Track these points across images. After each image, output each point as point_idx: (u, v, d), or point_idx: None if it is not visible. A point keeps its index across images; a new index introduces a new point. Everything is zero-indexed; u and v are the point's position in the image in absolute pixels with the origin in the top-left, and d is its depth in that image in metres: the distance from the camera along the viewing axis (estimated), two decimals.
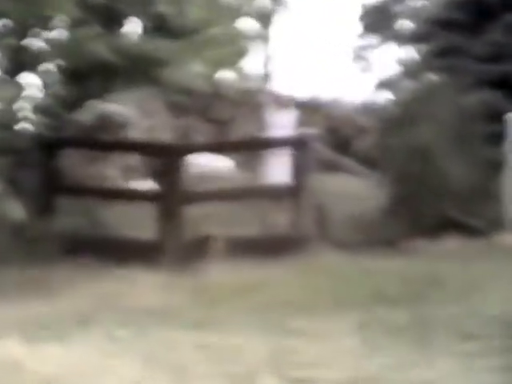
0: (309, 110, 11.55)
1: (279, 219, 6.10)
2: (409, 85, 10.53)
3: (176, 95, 10.51)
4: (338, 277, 4.59)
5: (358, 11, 12.84)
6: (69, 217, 5.83)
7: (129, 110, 9.32)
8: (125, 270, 4.79)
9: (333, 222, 6.04)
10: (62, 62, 7.20)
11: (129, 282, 4.48)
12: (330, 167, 10.35)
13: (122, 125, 9.27)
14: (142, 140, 9.10)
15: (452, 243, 5.56)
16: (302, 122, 9.23)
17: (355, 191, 6.73)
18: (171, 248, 5.26)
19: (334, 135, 12.19)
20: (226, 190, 5.91)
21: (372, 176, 6.75)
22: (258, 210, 6.23)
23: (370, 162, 7.15)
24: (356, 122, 11.61)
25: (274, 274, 4.67)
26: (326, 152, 6.67)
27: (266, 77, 12.78)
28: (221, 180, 8.99)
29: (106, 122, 9.22)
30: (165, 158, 5.52)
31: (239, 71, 12.27)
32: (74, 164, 8.80)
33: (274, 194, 5.87)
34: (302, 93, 11.36)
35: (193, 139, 10.54)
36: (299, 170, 5.73)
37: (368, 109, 11.37)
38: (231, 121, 10.68)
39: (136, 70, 9.41)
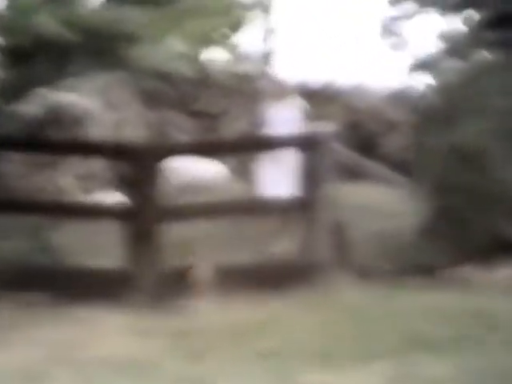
0: (322, 99, 11.51)
1: (285, 242, 6.09)
2: (453, 66, 10.37)
3: (149, 81, 10.37)
4: (363, 316, 4.49)
5: None
6: (11, 241, 5.82)
7: (88, 100, 9.30)
8: (85, 309, 4.72)
9: (355, 245, 6.00)
10: None
11: (90, 325, 4.40)
12: (351, 173, 10.34)
13: (79, 120, 9.21)
14: (107, 140, 9.01)
15: (508, 271, 5.55)
16: (313, 116, 9.34)
17: (383, 205, 6.74)
18: (145, 280, 5.17)
19: (355, 132, 12.15)
20: (216, 205, 5.79)
21: (405, 185, 6.73)
22: (257, 229, 6.23)
23: (402, 166, 7.14)
24: (384, 116, 11.59)
25: (279, 312, 4.59)
26: (345, 154, 6.68)
27: (266, 57, 12.49)
28: (209, 191, 9.02)
29: (58, 117, 9.20)
30: (136, 163, 5.41)
31: (232, 50, 12.03)
32: (16, 171, 8.81)
33: (278, 208, 5.85)
34: (313, 78, 11.32)
35: (172, 138, 10.44)
36: (310, 177, 5.70)
37: (400, 98, 11.28)
38: (222, 114, 10.59)
39: (96, 48, 9.14)
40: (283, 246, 6.08)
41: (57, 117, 9.00)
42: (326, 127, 6.26)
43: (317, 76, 11.83)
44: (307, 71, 11.73)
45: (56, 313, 4.67)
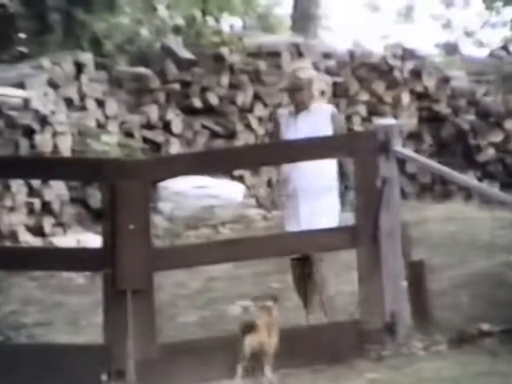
0: (384, 82, 11.69)
1: (333, 294, 6.09)
2: None
3: (122, 63, 10.69)
4: None
5: None
6: None
7: (37, 95, 9.34)
8: None
9: (442, 295, 6.03)
10: None
11: None
12: (435, 191, 10.15)
13: (25, 125, 9.29)
14: (67, 154, 9.24)
15: None
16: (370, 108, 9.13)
17: (482, 234, 6.65)
18: (133, 361, 5.33)
19: (437, 131, 12.18)
20: (229, 243, 5.88)
21: None
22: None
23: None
24: (481, 105, 11.54)
25: None
26: (423, 163, 6.38)
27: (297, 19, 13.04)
28: (219, 222, 9.61)
29: None
30: (118, 186, 5.52)
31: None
32: None
33: (322, 246, 5.78)
34: (367, 49, 11.44)
35: (165, 148, 11.05)
36: (369, 199, 5.66)
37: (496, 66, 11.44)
38: (229, 111, 10.85)
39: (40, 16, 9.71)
40: (334, 300, 5.96)
41: None
42: (394, 122, 6.04)
43: (372, 47, 11.87)
44: (357, 40, 11.79)
45: None
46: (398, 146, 5.69)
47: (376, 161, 5.65)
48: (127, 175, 5.47)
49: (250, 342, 5.19)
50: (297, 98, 5.94)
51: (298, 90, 5.90)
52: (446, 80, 11.65)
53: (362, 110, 11.32)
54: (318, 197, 5.87)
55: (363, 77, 11.39)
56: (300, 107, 5.95)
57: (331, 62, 11.38)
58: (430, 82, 11.55)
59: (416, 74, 11.53)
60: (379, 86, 11.38)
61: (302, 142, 5.78)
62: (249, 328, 5.20)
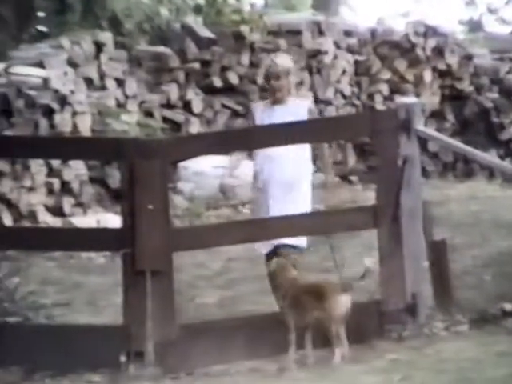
0: (404, 59, 11.57)
1: (355, 272, 6.06)
2: None
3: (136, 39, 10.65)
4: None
5: None
6: None
7: (57, 75, 9.32)
8: None
9: (465, 276, 5.99)
10: None
11: None
12: (458, 170, 10.05)
13: (44, 104, 9.30)
14: (87, 134, 9.20)
15: None
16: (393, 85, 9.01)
17: (507, 215, 6.60)
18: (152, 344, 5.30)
19: (460, 109, 12.06)
20: (249, 224, 5.78)
21: None
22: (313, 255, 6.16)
23: None
24: (507, 81, 11.39)
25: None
26: (446, 141, 6.32)
27: None
28: (239, 202, 9.57)
29: (14, 102, 9.21)
30: (135, 167, 5.39)
31: None
32: None
33: (343, 226, 5.73)
34: (386, 26, 11.32)
35: (184, 128, 10.81)
36: (390, 178, 5.58)
37: None
38: (250, 90, 10.74)
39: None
40: (354, 277, 5.93)
41: (13, 102, 9.02)
42: (413, 100, 5.97)
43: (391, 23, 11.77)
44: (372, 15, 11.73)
45: None
46: (420, 125, 5.63)
47: (397, 140, 5.59)
48: (147, 155, 5.45)
49: (346, 301, 5.13)
50: (273, 86, 5.81)
51: (274, 78, 5.80)
52: (469, 58, 11.54)
53: (384, 88, 11.24)
54: (290, 190, 5.76)
55: (385, 55, 11.31)
56: (276, 98, 5.82)
57: (352, 40, 11.30)
58: (452, 60, 11.44)
59: (438, 51, 11.43)
60: (401, 64, 11.29)
61: (323, 121, 5.74)
62: (347, 287, 5.16)
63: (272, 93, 5.83)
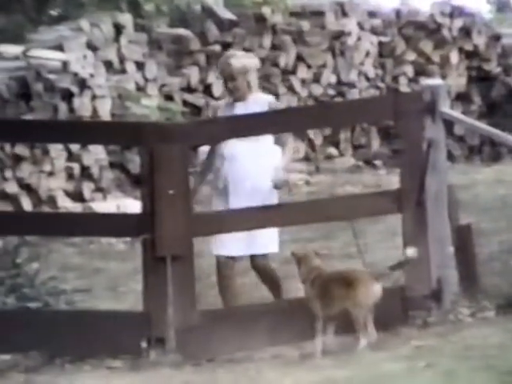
0: (427, 39, 11.46)
1: (378, 258, 6.06)
2: None
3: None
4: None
5: None
6: None
7: (76, 58, 9.33)
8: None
9: (492, 262, 5.96)
10: None
11: None
12: (484, 153, 9.93)
13: (64, 88, 9.32)
14: (107, 118, 9.24)
15: None
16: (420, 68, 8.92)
17: None
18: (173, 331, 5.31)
19: (487, 91, 11.92)
20: (269, 209, 5.67)
21: None
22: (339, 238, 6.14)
23: None
24: None
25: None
26: (472, 124, 6.29)
27: None
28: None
29: (33, 86, 9.25)
30: (155, 151, 5.34)
31: None
32: None
33: (367, 211, 5.74)
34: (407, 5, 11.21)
35: (205, 112, 10.55)
36: (415, 162, 5.53)
37: None
38: (272, 73, 10.76)
39: None
40: (378, 262, 5.92)
41: (32, 86, 9.05)
42: (439, 81, 5.93)
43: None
44: None
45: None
46: (446, 107, 5.61)
47: (422, 123, 5.58)
48: (167, 139, 5.47)
49: (377, 291, 5.16)
50: (229, 87, 5.74)
51: (230, 79, 5.72)
52: (496, 38, 11.46)
53: (409, 70, 11.19)
54: (251, 191, 5.67)
55: (410, 36, 11.26)
56: (236, 97, 5.75)
57: (377, 21, 11.25)
58: (479, 40, 11.37)
59: (465, 31, 11.36)
60: (427, 45, 11.24)
61: (346, 104, 5.71)
62: (379, 276, 5.18)
63: (230, 93, 5.78)
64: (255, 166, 5.70)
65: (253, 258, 5.76)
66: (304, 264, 5.31)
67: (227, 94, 5.87)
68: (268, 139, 5.74)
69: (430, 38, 11.25)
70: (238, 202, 5.63)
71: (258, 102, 5.76)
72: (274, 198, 5.74)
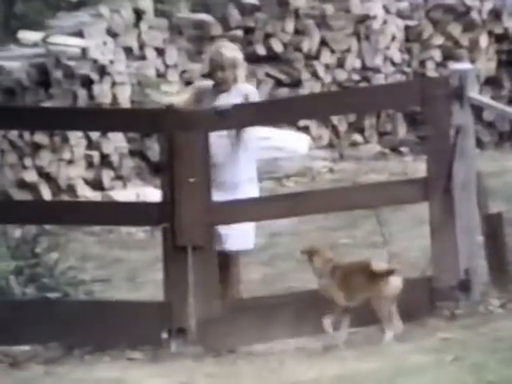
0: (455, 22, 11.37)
1: (404, 248, 6.00)
2: None
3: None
4: None
5: None
6: None
7: (96, 44, 9.36)
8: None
9: None
10: None
11: None
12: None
13: (85, 75, 9.34)
14: (126, 105, 9.14)
15: None
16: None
17: None
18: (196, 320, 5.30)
19: None
20: (291, 197, 5.65)
21: None
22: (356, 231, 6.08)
23: None
24: None
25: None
26: (502, 110, 6.20)
27: None
28: (283, 175, 9.54)
29: (54, 73, 9.26)
30: (175, 139, 5.33)
31: None
32: None
33: (392, 199, 5.68)
34: None
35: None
36: (442, 149, 5.48)
37: None
38: (295, 58, 10.74)
39: None
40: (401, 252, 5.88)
41: (51, 73, 9.06)
42: (467, 65, 5.86)
43: None
44: None
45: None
46: (474, 93, 5.54)
47: (449, 108, 5.52)
48: (186, 126, 5.44)
49: (397, 283, 5.12)
50: (218, 78, 5.69)
51: (220, 69, 5.68)
52: None
53: (437, 54, 11.09)
54: (231, 188, 5.60)
55: (438, 19, 11.14)
56: (222, 88, 5.70)
57: (403, 4, 11.15)
58: (510, 24, 11.24)
59: (495, 14, 11.23)
60: (455, 29, 11.12)
61: (369, 90, 5.66)
62: (396, 267, 5.16)
63: (217, 84, 5.74)
64: (230, 159, 5.63)
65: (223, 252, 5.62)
66: (317, 258, 5.27)
67: (214, 85, 5.81)
68: (246, 132, 5.67)
69: (459, 21, 11.14)
70: (218, 195, 5.51)
71: (238, 93, 5.72)
72: (254, 192, 5.66)
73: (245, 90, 5.75)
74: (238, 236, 5.60)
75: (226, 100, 5.68)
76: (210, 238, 5.42)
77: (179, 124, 5.46)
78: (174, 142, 5.44)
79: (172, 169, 5.43)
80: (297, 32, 10.59)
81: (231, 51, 5.77)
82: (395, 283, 5.14)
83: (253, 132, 5.74)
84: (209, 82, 5.88)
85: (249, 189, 5.66)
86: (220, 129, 5.63)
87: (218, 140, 5.55)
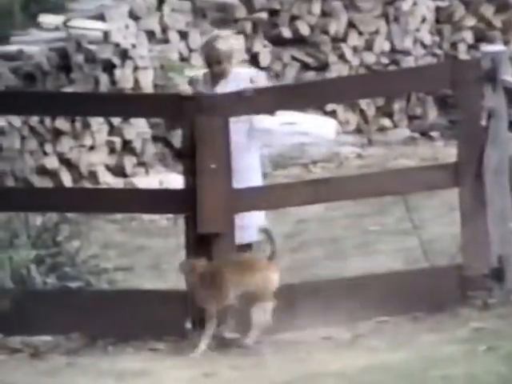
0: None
1: (434, 235, 5.97)
2: None
3: None
4: None
5: None
6: (13, 250, 5.92)
7: (113, 25, 9.36)
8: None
9: None
10: None
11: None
12: None
13: (107, 60, 9.35)
14: (149, 90, 9.20)
15: None
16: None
17: None
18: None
19: None
20: (317, 183, 5.63)
21: None
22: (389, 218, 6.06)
23: None
24: None
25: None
26: None
27: None
28: (310, 161, 9.52)
29: (74, 57, 9.26)
30: (196, 124, 5.31)
31: None
32: (15, 144, 8.92)
33: (422, 185, 5.62)
34: None
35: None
36: (473, 133, 5.45)
37: None
38: (321, 41, 10.65)
39: None
40: (433, 240, 5.85)
41: (72, 57, 9.07)
42: (502, 51, 5.80)
43: None
44: None
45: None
46: (508, 75, 5.48)
47: (481, 92, 5.46)
48: (208, 111, 5.41)
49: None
50: (214, 70, 5.68)
51: (216, 63, 5.66)
52: None
53: (468, 36, 10.99)
54: (244, 179, 5.55)
55: (470, 0, 11.05)
56: (218, 79, 5.69)
57: None
58: None
59: None
60: (488, 10, 11.02)
61: (399, 72, 5.60)
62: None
63: (214, 76, 5.71)
64: (243, 146, 5.60)
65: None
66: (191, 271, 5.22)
67: (211, 78, 5.77)
68: (244, 120, 5.64)
69: (491, 2, 11.03)
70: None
71: (237, 78, 5.71)
72: (256, 179, 5.65)
73: (245, 75, 5.71)
74: (254, 227, 5.58)
75: (223, 87, 5.66)
76: (232, 226, 5.40)
77: (201, 109, 5.43)
78: (196, 127, 5.41)
79: (194, 155, 5.41)
80: (323, 14, 10.53)
81: (226, 43, 5.74)
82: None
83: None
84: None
85: (256, 176, 5.64)
86: (242, 114, 5.60)
87: (233, 126, 5.52)
